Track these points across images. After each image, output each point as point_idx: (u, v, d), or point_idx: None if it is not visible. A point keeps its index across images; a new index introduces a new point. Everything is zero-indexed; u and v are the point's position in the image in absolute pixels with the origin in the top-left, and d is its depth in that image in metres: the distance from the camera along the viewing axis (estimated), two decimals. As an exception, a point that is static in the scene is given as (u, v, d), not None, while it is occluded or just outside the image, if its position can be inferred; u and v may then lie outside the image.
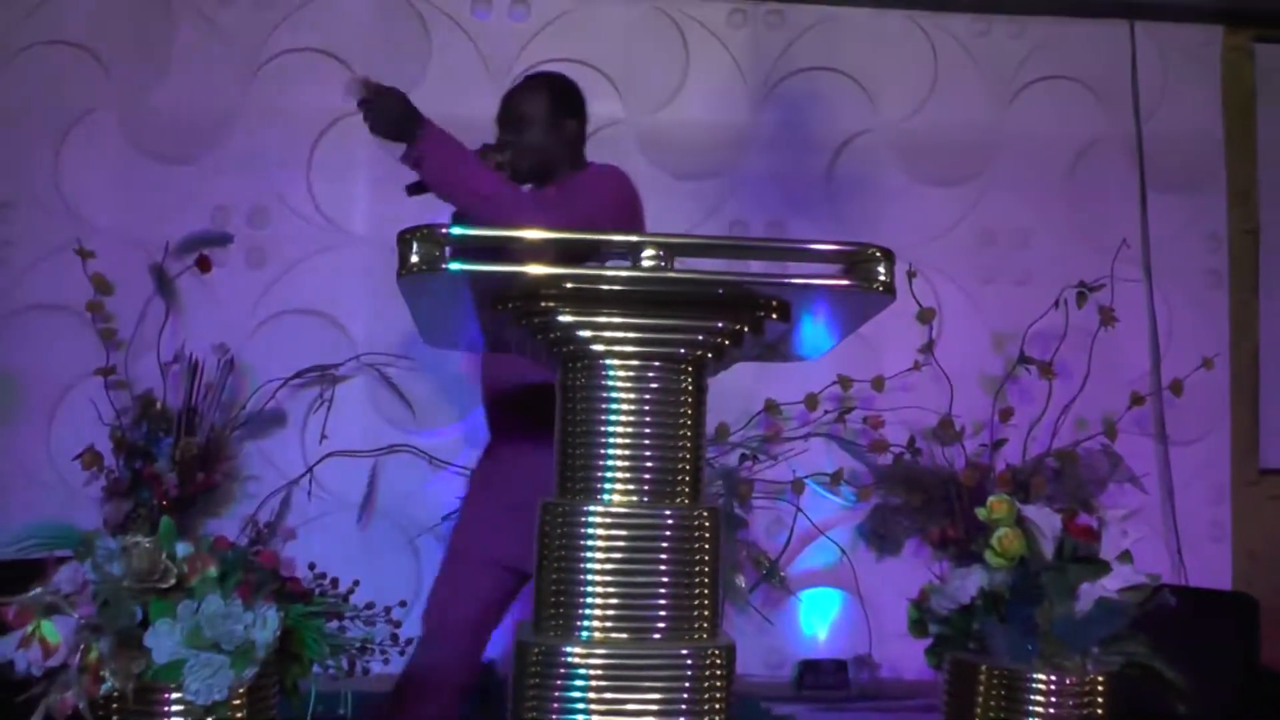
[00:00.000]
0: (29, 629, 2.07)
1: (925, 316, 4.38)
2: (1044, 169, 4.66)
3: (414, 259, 1.76)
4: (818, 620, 4.40)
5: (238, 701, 2.02)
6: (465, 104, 4.42)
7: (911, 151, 4.62)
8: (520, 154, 3.00)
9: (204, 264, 4.24)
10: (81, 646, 2.06)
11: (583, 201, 2.88)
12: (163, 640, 2.04)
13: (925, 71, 4.65)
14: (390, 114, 2.73)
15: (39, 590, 2.13)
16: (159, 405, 4.11)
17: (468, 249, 1.82)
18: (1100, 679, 2.33)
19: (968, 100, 4.66)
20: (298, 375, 4.27)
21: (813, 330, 2.17)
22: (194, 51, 4.43)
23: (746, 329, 1.93)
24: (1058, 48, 4.71)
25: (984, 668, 2.38)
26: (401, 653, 2.16)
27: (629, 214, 2.98)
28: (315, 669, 2.13)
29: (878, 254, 1.92)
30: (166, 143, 4.39)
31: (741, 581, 4.15)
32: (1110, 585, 2.36)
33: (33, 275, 4.32)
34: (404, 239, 1.76)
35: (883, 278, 1.91)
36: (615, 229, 2.76)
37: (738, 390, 4.17)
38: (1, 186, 4.38)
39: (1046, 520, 2.46)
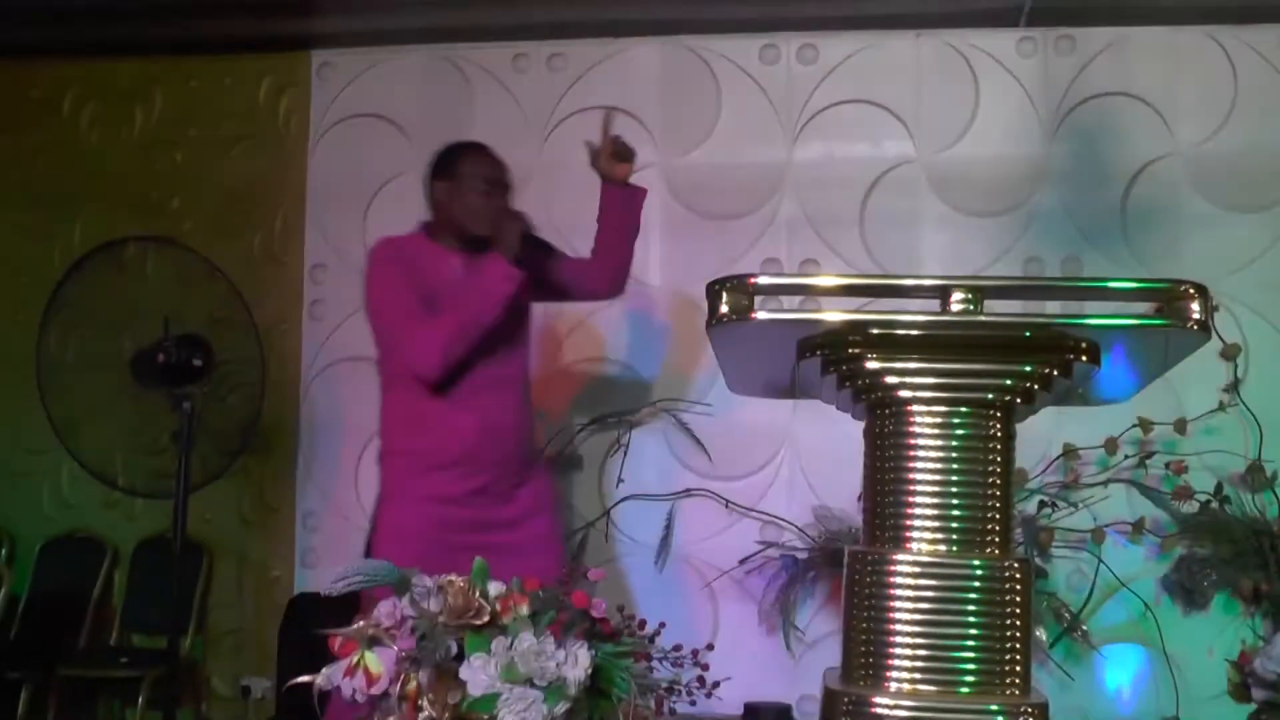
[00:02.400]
0: (354, 659, 2.21)
1: (1230, 353, 4.14)
2: (1362, 189, 4.31)
3: (723, 309, 1.80)
4: (1121, 678, 4.17)
5: (550, 736, 2.09)
6: (756, 153, 4.53)
7: (1211, 176, 4.35)
8: None
9: (502, 315, 4.47)
10: (402, 676, 2.18)
11: None
12: (478, 674, 2.13)
13: (1224, 89, 4.38)
14: None
15: (362, 623, 2.28)
16: (459, 449, 4.35)
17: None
18: None
19: (1272, 118, 4.35)
20: (594, 421, 4.43)
21: (1120, 372, 2.09)
22: (491, 116, 4.69)
23: (1055, 372, 1.87)
24: (1372, 55, 4.36)
25: (1320, 738, 2.21)
26: (708, 695, 2.19)
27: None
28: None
29: (1191, 290, 1.83)
30: (468, 204, 4.65)
31: (1042, 634, 4.00)
32: None
33: (342, 331, 4.68)
34: (713, 289, 1.81)
35: (1197, 315, 1.83)
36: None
37: (1035, 434, 4.02)
38: (315, 250, 4.77)
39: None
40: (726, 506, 4.34)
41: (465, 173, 3.20)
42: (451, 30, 4.62)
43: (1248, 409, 4.14)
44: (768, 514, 4.31)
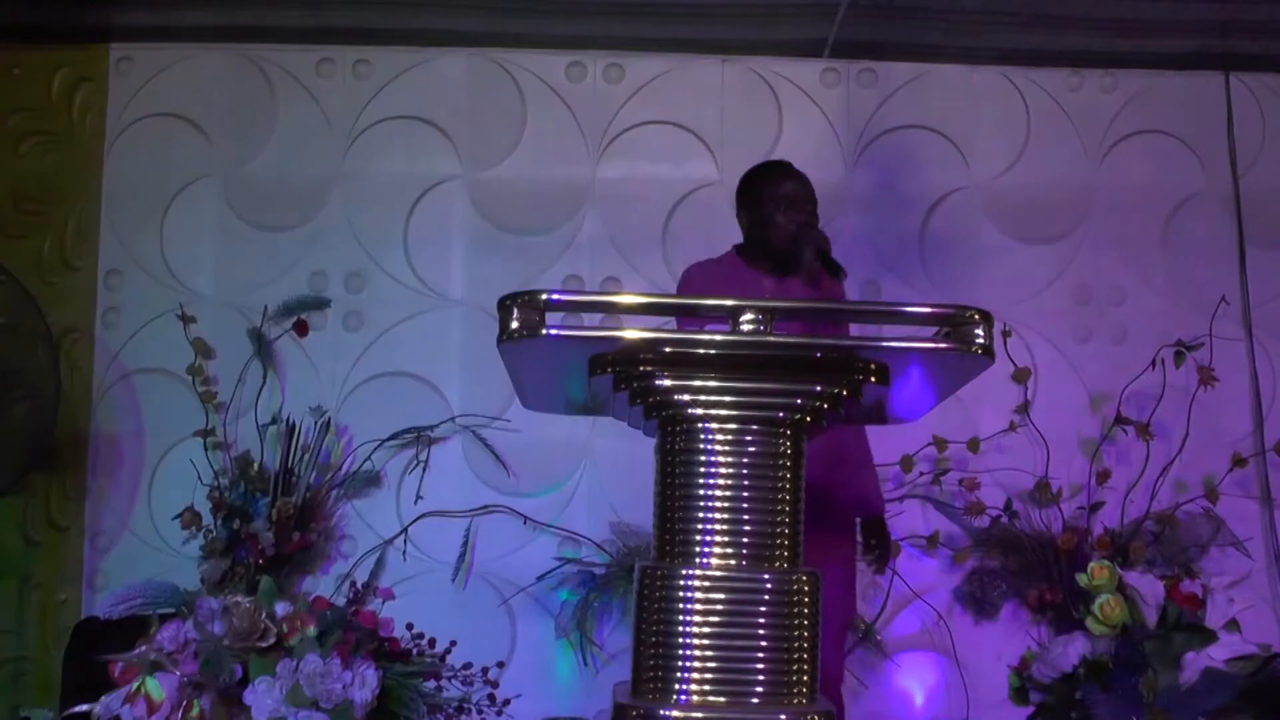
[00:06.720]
0: (134, 686, 2.13)
1: (1020, 376, 4.33)
2: (1140, 225, 4.56)
3: (514, 324, 1.78)
4: (914, 685, 4.31)
5: (336, 760, 2.04)
6: (560, 170, 4.53)
7: (1005, 209, 4.56)
8: None
9: (301, 328, 4.36)
10: (184, 703, 2.10)
11: None
12: (262, 698, 2.08)
13: (1018, 127, 4.61)
14: None
15: (144, 648, 2.18)
16: (256, 466, 4.23)
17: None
18: (1209, 754, 2.24)
19: (1061, 156, 4.60)
20: (394, 436, 4.34)
21: (910, 393, 2.15)
22: (293, 121, 4.56)
23: (845, 392, 1.92)
24: (1152, 101, 4.63)
25: (1088, 739, 2.32)
26: (499, 713, 2.16)
27: None
28: (412, 729, 2.14)
29: (976, 316, 1.90)
30: (266, 210, 4.52)
31: (842, 642, 4.11)
32: (1217, 655, 2.29)
33: (138, 340, 4.47)
34: (504, 305, 1.79)
35: (981, 340, 1.89)
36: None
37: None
38: (110, 255, 4.55)
39: (1149, 587, 2.40)
40: (525, 522, 4.31)
41: (764, 195, 3.19)
42: (256, 30, 4.47)
43: (1036, 429, 4.33)
44: (566, 530, 4.30)
